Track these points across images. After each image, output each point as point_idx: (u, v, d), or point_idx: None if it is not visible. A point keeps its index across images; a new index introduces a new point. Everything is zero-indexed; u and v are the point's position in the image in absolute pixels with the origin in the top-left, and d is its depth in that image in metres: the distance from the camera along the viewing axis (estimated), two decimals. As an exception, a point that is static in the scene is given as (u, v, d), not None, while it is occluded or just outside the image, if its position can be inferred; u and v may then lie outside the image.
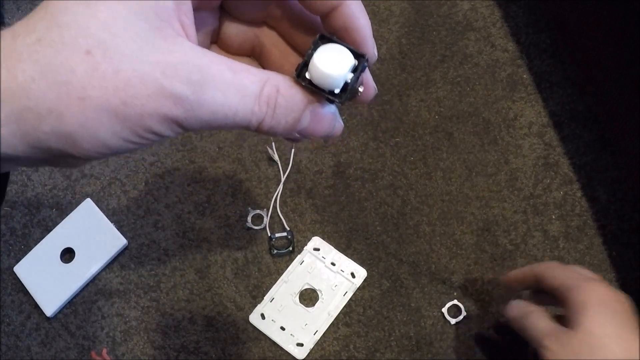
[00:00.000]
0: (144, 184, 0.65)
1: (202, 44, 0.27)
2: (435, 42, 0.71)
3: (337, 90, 0.24)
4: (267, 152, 0.65)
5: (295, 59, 0.28)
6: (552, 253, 0.62)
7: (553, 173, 0.65)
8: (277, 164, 0.65)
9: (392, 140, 0.66)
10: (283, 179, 0.64)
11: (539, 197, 0.64)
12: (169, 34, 0.22)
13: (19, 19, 0.22)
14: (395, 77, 0.69)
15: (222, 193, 0.65)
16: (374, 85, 0.26)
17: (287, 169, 0.65)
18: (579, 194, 0.64)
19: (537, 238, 0.62)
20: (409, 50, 0.70)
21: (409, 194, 0.64)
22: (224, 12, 0.27)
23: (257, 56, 0.29)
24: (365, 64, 0.24)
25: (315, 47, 0.24)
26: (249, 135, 0.67)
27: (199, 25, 0.25)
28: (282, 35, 0.27)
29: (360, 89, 0.25)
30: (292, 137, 0.26)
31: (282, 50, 0.28)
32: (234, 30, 0.28)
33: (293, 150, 0.65)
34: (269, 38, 0.28)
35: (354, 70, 0.24)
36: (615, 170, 0.64)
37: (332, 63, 0.23)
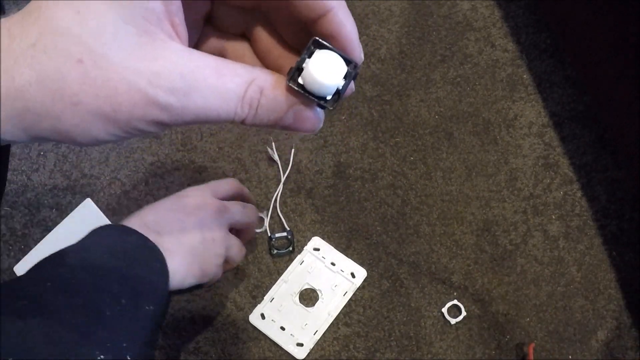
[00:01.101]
0: (144, 184, 0.65)
1: (194, 27, 0.28)
2: (435, 42, 0.71)
3: (328, 97, 0.25)
4: (267, 152, 0.65)
5: (283, 46, 0.28)
6: (552, 253, 0.62)
7: (553, 173, 0.65)
8: (277, 163, 0.65)
9: (392, 140, 0.66)
10: (283, 179, 0.64)
11: (539, 197, 0.64)
12: (158, 38, 0.23)
13: (19, 8, 0.23)
14: (395, 77, 0.69)
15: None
16: (353, 86, 0.27)
17: (287, 169, 0.65)
18: (579, 194, 0.64)
19: (537, 238, 0.62)
20: (409, 50, 0.70)
21: (409, 194, 0.64)
22: None
23: (248, 38, 0.29)
24: (357, 71, 0.25)
25: (308, 53, 0.24)
26: (249, 135, 0.67)
27: (190, 11, 0.26)
28: (272, 22, 0.28)
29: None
30: (275, 129, 0.27)
31: (271, 36, 0.28)
32: (225, 12, 0.28)
33: (293, 150, 0.65)
34: (259, 23, 0.28)
35: (345, 76, 0.25)
36: (615, 170, 0.64)
37: (328, 72, 0.24)
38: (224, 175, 0.65)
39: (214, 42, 0.29)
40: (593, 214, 0.63)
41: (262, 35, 0.28)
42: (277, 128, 0.26)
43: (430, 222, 0.63)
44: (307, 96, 0.25)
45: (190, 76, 0.23)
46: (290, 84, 0.24)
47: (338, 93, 0.25)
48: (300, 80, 0.24)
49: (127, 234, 0.42)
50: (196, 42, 0.29)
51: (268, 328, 0.59)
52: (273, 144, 0.65)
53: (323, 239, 0.62)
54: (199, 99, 0.23)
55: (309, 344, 0.58)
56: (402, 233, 0.62)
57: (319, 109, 0.26)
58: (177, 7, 0.24)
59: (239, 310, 0.60)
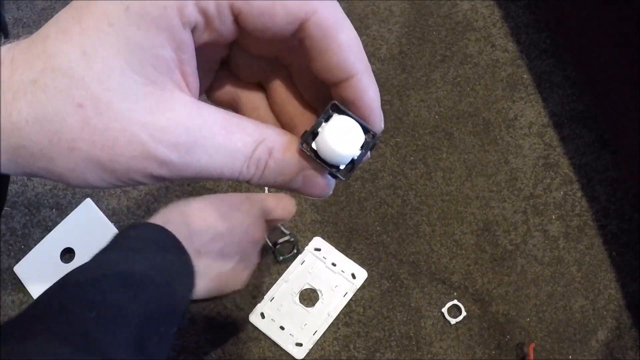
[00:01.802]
0: (144, 184, 0.65)
1: (208, 71, 0.27)
2: (435, 42, 0.71)
3: (342, 166, 0.23)
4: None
5: (300, 102, 0.27)
6: (552, 253, 0.62)
7: (553, 173, 0.65)
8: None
9: (392, 140, 0.66)
10: (267, 188, 0.64)
11: (539, 197, 0.64)
12: (166, 89, 0.22)
13: (19, 18, 0.22)
14: (395, 77, 0.69)
15: (222, 193, 0.65)
16: (369, 153, 0.26)
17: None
18: (579, 194, 0.64)
19: (537, 238, 0.62)
20: (409, 50, 0.70)
21: (409, 194, 0.64)
22: (235, 41, 0.27)
23: (264, 88, 0.28)
24: (375, 141, 0.23)
25: (326, 117, 0.23)
26: (249, 135, 0.67)
27: (206, 55, 0.25)
28: (291, 75, 0.27)
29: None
30: (282, 190, 0.26)
31: (288, 89, 0.27)
32: (243, 59, 0.27)
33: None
34: (278, 74, 0.27)
35: (362, 146, 0.23)
36: (615, 170, 0.64)
37: (344, 141, 0.23)
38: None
39: (228, 87, 0.28)
40: (593, 214, 0.63)
41: (279, 88, 0.27)
42: (284, 189, 0.25)
43: (430, 222, 0.63)
44: (319, 163, 0.23)
45: (197, 132, 0.22)
46: (302, 148, 0.23)
47: (352, 163, 0.23)
48: (313, 145, 0.23)
49: (167, 249, 0.43)
50: (209, 86, 0.28)
51: (268, 327, 0.59)
52: None
53: (323, 238, 0.62)
54: (204, 156, 0.22)
55: (308, 344, 0.58)
56: (402, 233, 0.62)
57: (329, 177, 0.25)
58: (190, 56, 0.22)
59: (239, 310, 0.60)
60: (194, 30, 0.22)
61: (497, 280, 0.61)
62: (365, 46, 0.71)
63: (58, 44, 0.21)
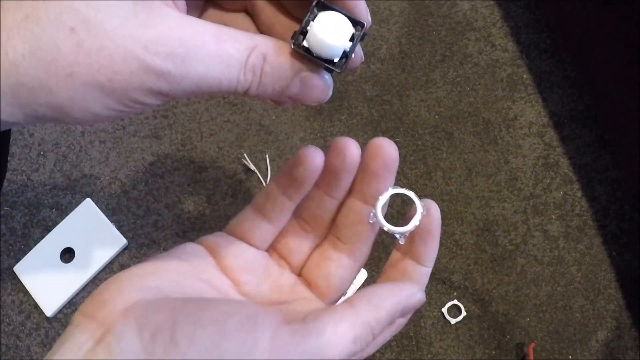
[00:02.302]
0: (144, 184, 0.65)
1: (194, 6, 0.27)
2: (435, 42, 0.71)
3: (336, 60, 0.24)
4: (267, 151, 0.65)
5: (286, 19, 0.27)
6: (552, 253, 0.62)
7: (553, 173, 0.65)
8: (256, 173, 0.65)
9: (392, 140, 0.66)
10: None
11: (539, 197, 0.64)
12: (154, 5, 0.22)
13: None
14: (395, 77, 0.69)
15: (222, 193, 0.65)
16: (361, 53, 0.26)
17: (267, 177, 0.65)
18: (579, 194, 0.64)
19: (537, 238, 0.62)
20: (409, 50, 0.70)
21: (409, 194, 0.64)
22: None
23: (250, 13, 0.29)
24: (364, 31, 0.24)
25: (312, 15, 0.23)
26: (249, 135, 0.67)
27: None
28: None
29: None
30: (282, 102, 0.26)
31: (274, 10, 0.27)
32: None
33: (267, 155, 0.65)
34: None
35: (351, 38, 0.24)
36: (615, 170, 0.64)
37: (334, 32, 0.23)
38: (224, 175, 0.65)
39: (215, 19, 0.28)
40: (593, 214, 0.63)
41: (264, 10, 0.27)
42: (284, 99, 0.25)
43: (430, 222, 0.63)
44: (313, 59, 0.23)
45: (188, 42, 0.22)
46: (294, 48, 0.23)
47: (346, 56, 0.24)
48: (305, 44, 0.23)
49: None
50: None
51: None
52: (246, 155, 0.65)
53: (323, 239, 0.62)
54: (199, 65, 0.22)
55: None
56: (402, 233, 0.62)
57: (326, 75, 0.25)
58: None
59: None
60: None
61: (497, 280, 0.61)
62: (364, 46, 0.71)
63: None
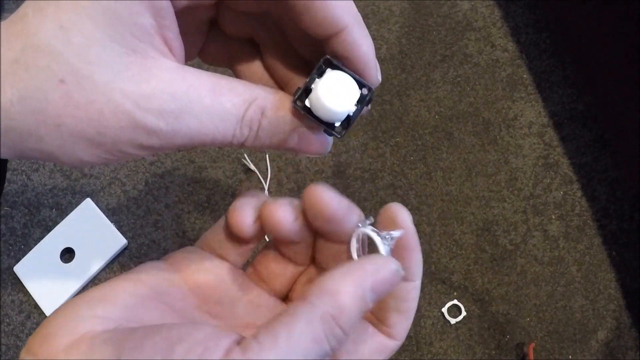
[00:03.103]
0: (144, 184, 0.65)
1: (198, 32, 0.26)
2: (435, 42, 0.71)
3: (337, 123, 0.22)
4: (267, 151, 0.65)
5: (293, 56, 0.26)
6: (552, 253, 0.62)
7: (553, 173, 0.65)
8: (256, 173, 0.65)
9: (392, 140, 0.66)
10: (266, 188, 0.64)
11: (539, 197, 0.64)
12: (148, 56, 0.21)
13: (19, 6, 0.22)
14: (395, 77, 0.69)
15: (222, 193, 0.65)
16: (369, 106, 0.25)
17: (267, 177, 0.65)
18: (579, 194, 0.64)
19: (537, 238, 0.62)
20: (409, 50, 0.70)
21: (409, 194, 0.64)
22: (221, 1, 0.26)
23: (256, 43, 0.28)
24: (371, 95, 0.22)
25: (319, 73, 0.22)
26: (249, 135, 0.67)
27: (193, 16, 0.24)
28: (282, 30, 0.26)
29: None
30: (279, 150, 0.25)
31: (280, 44, 0.26)
32: (231, 18, 0.26)
33: (267, 156, 0.65)
34: (268, 29, 0.26)
35: (357, 101, 0.22)
36: (615, 170, 0.64)
37: (338, 97, 0.22)
38: (224, 175, 0.65)
39: (220, 47, 0.27)
40: (593, 214, 0.63)
41: (271, 44, 0.26)
42: (281, 150, 0.24)
43: (430, 222, 0.63)
44: (313, 121, 0.22)
45: (182, 97, 0.21)
46: (295, 106, 0.22)
47: (348, 119, 0.22)
48: (307, 103, 0.22)
49: None
50: (202, 48, 0.27)
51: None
52: (246, 155, 0.65)
53: (323, 239, 0.62)
54: (193, 121, 0.21)
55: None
56: (402, 233, 0.62)
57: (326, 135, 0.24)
58: (171, 21, 0.22)
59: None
60: None
61: (497, 280, 0.61)
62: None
63: (36, 21, 0.20)
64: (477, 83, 0.69)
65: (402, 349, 0.59)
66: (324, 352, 0.20)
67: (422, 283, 0.65)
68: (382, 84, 0.69)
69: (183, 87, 0.21)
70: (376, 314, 0.27)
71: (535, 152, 0.66)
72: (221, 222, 0.27)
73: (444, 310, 0.59)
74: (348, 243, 0.25)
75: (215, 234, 0.28)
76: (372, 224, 0.26)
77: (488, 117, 0.67)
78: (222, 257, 0.27)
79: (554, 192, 0.64)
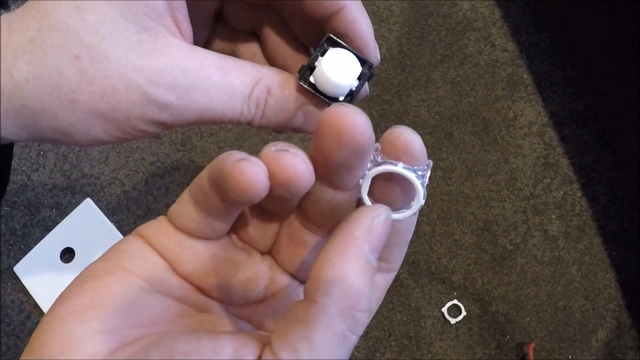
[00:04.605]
0: (144, 184, 0.65)
1: (203, 25, 0.27)
2: (435, 42, 0.71)
3: (341, 98, 0.23)
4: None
5: (293, 45, 0.27)
6: (552, 253, 0.62)
7: (553, 173, 0.65)
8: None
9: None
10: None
11: (539, 197, 0.64)
12: (159, 35, 0.22)
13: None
14: (395, 77, 0.69)
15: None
16: (367, 88, 0.26)
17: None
18: (579, 194, 0.64)
19: (537, 238, 0.62)
20: (409, 50, 0.70)
21: (409, 194, 0.64)
22: None
23: (259, 35, 0.29)
24: (372, 71, 0.24)
25: (322, 51, 0.23)
26: (249, 135, 0.67)
27: (198, 8, 0.25)
28: (284, 19, 0.27)
29: None
30: (284, 131, 0.26)
31: (282, 34, 0.27)
32: (235, 9, 0.27)
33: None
34: (270, 20, 0.27)
35: (359, 76, 0.24)
36: (615, 170, 0.64)
37: (342, 71, 0.23)
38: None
39: (224, 40, 0.28)
40: (593, 214, 0.63)
41: (272, 33, 0.27)
42: (287, 130, 0.25)
43: (430, 222, 0.63)
44: (318, 96, 0.23)
45: (192, 73, 0.22)
46: (300, 83, 0.23)
47: (351, 94, 0.23)
48: (311, 80, 0.23)
49: None
50: (206, 41, 0.28)
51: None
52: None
53: (323, 239, 0.62)
54: (202, 97, 0.22)
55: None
56: (402, 233, 0.62)
57: None
58: (181, 4, 0.23)
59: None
60: None
61: (497, 280, 0.61)
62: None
63: (52, 2, 0.21)
64: (477, 83, 0.69)
65: (402, 349, 0.59)
66: (352, 343, 0.18)
67: (422, 283, 0.66)
68: (382, 84, 0.69)
69: (193, 64, 0.22)
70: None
71: (535, 152, 0.66)
72: (186, 195, 0.24)
73: (444, 310, 0.59)
74: (358, 186, 0.21)
75: (184, 209, 0.23)
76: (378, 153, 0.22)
77: (488, 117, 0.67)
78: (199, 237, 0.23)
79: (554, 192, 0.64)
